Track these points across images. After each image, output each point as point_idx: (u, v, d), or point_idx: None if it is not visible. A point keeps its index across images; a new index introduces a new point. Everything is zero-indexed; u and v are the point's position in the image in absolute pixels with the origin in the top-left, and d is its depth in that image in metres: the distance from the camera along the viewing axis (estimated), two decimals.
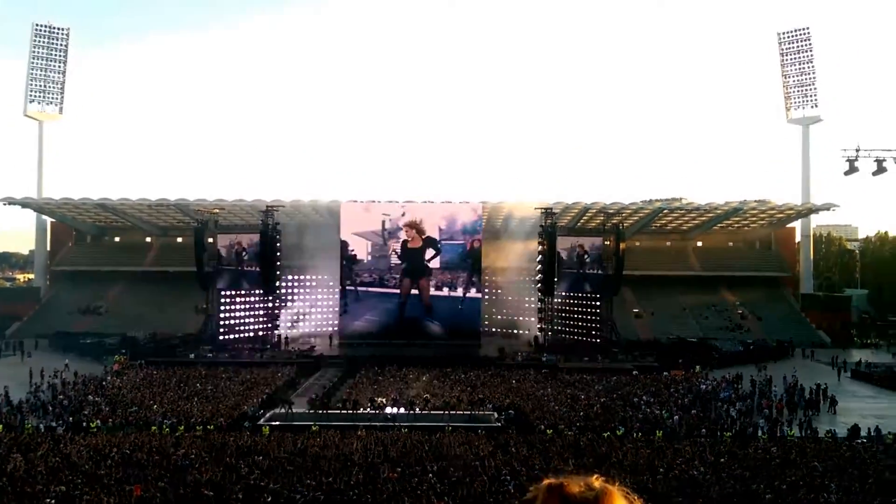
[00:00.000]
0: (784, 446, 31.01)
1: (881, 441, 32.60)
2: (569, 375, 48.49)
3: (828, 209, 71.44)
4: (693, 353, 54.78)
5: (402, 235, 63.62)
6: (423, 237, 63.76)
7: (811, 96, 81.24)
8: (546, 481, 1.65)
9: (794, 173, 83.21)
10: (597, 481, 1.62)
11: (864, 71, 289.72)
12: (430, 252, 63.98)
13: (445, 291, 64.32)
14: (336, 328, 64.47)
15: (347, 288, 63.76)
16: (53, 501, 21.92)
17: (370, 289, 64.12)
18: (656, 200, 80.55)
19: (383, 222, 64.09)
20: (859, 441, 32.59)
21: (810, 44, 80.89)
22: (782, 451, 29.93)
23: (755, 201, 73.84)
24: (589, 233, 65.90)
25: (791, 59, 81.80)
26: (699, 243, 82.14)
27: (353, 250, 63.91)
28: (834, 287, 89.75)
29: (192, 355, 54.59)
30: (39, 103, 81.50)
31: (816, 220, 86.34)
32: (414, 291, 63.84)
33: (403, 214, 63.95)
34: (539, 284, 61.21)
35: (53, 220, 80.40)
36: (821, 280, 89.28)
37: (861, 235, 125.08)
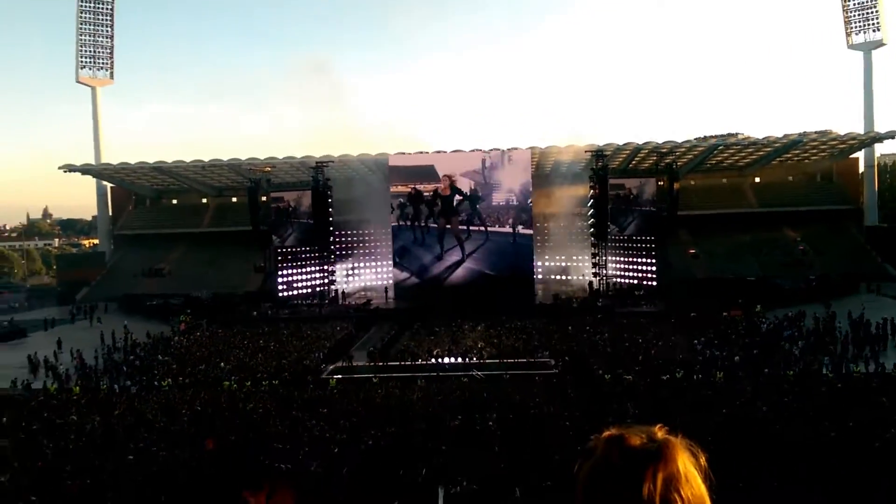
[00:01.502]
0: (849, 383, 30.45)
1: None
2: (625, 320, 48.27)
3: (892, 137, 68.36)
4: (753, 292, 53.74)
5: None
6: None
7: (873, 20, 77.13)
8: (606, 433, 1.63)
9: (856, 101, 79.74)
10: (660, 432, 1.60)
11: None
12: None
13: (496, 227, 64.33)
14: (391, 281, 65.09)
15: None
16: (132, 457, 23.01)
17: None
18: (711, 137, 78.13)
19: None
20: None
21: None
22: (847, 387, 29.40)
23: (815, 132, 71.02)
24: (641, 174, 64.61)
25: None
26: (757, 179, 79.74)
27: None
28: None
29: (254, 313, 56.06)
30: (90, 69, 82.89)
31: (881, 150, 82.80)
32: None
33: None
34: (591, 229, 60.56)
35: (112, 185, 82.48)
36: (886, 211, 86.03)
37: None
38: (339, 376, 36.92)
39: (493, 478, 20.45)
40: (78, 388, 35.69)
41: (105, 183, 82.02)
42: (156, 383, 36.61)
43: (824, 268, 64.51)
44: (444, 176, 63.94)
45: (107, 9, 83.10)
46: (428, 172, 64.32)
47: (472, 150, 65.59)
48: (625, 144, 68.06)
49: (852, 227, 74.84)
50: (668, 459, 1.51)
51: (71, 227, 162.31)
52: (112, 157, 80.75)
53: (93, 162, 79.40)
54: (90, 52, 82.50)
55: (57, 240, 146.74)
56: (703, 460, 1.57)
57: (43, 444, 24.73)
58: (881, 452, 20.42)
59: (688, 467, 1.52)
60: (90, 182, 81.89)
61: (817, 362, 35.35)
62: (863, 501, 18.09)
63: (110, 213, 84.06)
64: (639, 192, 59.77)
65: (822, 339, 40.06)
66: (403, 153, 66.37)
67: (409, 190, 64.05)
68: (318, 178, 60.97)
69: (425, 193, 63.85)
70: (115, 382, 37.68)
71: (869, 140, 71.20)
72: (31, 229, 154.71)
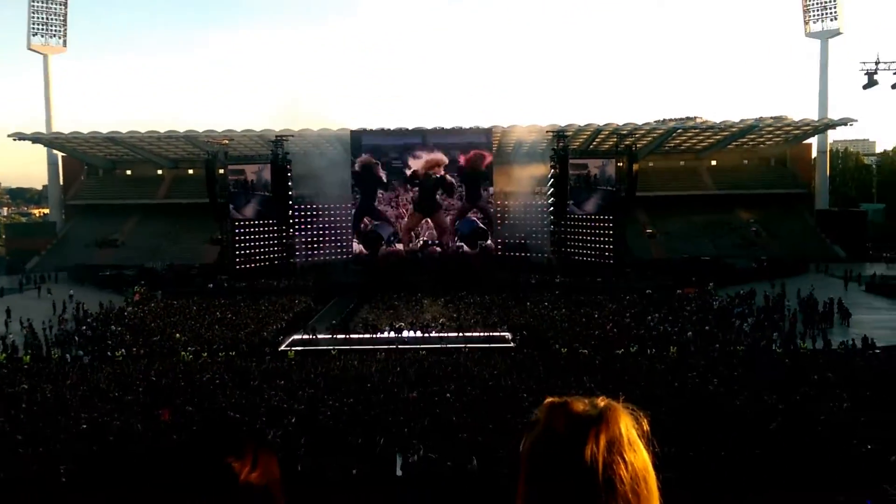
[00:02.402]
0: (797, 358, 31.38)
1: None
2: (582, 296, 48.92)
3: (845, 124, 70.05)
4: (707, 272, 54.88)
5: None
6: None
7: (830, 9, 78.65)
8: (548, 400, 1.61)
9: (811, 89, 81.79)
10: (601, 400, 1.59)
11: None
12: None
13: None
14: (350, 255, 64.76)
15: None
16: (86, 427, 22.66)
17: None
18: (670, 120, 79.21)
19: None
20: (872, 352, 32.88)
21: None
22: (795, 363, 30.30)
23: (771, 118, 72.42)
24: (601, 154, 65.17)
25: None
26: (713, 162, 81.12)
27: None
28: (850, 202, 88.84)
29: (210, 285, 55.34)
30: (42, 36, 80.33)
31: (833, 136, 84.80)
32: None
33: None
34: (551, 208, 61.03)
35: (64, 154, 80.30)
36: (837, 196, 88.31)
37: (879, 150, 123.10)
38: (298, 348, 36.76)
39: (451, 447, 20.66)
40: (28, 357, 34.92)
41: (56, 152, 79.80)
42: (109, 354, 35.99)
43: (776, 249, 66.15)
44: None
45: None
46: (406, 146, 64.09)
47: (434, 129, 65.42)
48: (586, 126, 68.56)
49: (804, 211, 76.80)
50: (610, 422, 1.51)
51: (20, 196, 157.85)
52: (64, 125, 78.65)
53: (44, 130, 77.14)
54: (42, 18, 79.93)
55: (6, 209, 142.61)
56: (645, 425, 1.57)
57: None
58: (827, 424, 21.12)
59: (630, 431, 1.52)
60: (41, 151, 79.65)
61: (766, 338, 36.34)
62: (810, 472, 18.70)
63: (61, 183, 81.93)
64: (598, 172, 60.33)
65: (771, 316, 41.16)
66: (365, 130, 65.86)
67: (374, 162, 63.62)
68: (278, 151, 60.15)
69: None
70: (67, 352, 36.94)
71: (822, 126, 72.85)
72: None
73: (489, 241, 64.30)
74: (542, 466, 1.53)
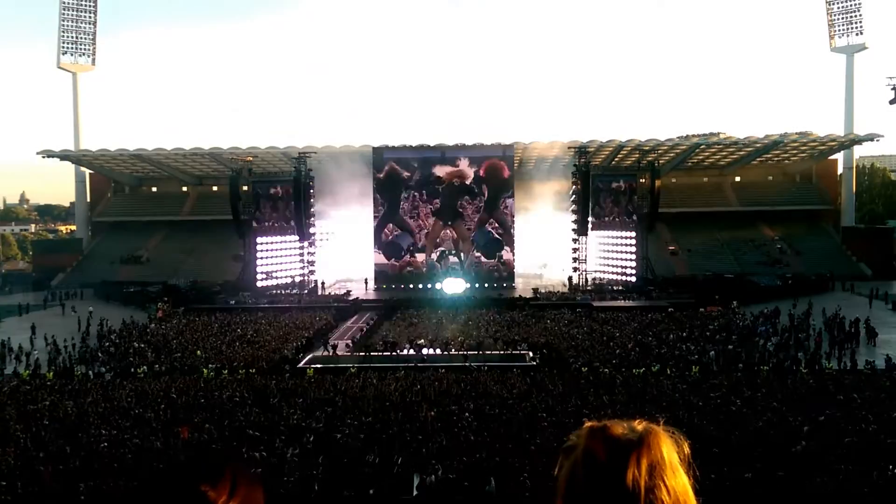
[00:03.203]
0: (822, 379, 30.82)
1: None
2: (604, 314, 48.50)
3: (871, 140, 69.29)
4: (730, 289, 54.23)
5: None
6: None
7: (856, 23, 78.08)
8: (588, 424, 1.59)
9: (837, 104, 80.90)
10: (640, 424, 1.56)
11: None
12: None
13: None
14: (371, 272, 64.88)
15: None
16: (106, 444, 22.81)
17: None
18: (693, 136, 78.73)
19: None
20: None
21: None
22: (820, 383, 29.76)
23: (796, 133, 71.78)
24: (624, 171, 64.90)
25: None
26: (737, 178, 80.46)
27: None
28: (877, 219, 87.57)
29: (232, 301, 55.71)
30: (72, 55, 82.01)
31: (859, 152, 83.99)
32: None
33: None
34: (573, 224, 60.78)
35: (92, 171, 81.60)
36: (863, 212, 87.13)
37: None
38: (318, 366, 36.79)
39: (469, 467, 20.50)
40: (51, 373, 35.29)
41: (84, 169, 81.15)
42: (131, 371, 36.27)
43: (801, 266, 65.29)
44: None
45: None
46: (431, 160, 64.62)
47: (455, 145, 65.61)
48: (607, 142, 68.43)
49: (829, 228, 75.81)
50: (651, 446, 1.48)
51: (48, 213, 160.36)
52: (92, 143, 79.96)
53: (72, 148, 78.51)
54: (72, 37, 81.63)
55: (33, 225, 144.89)
56: (686, 449, 1.54)
57: (15, 429, 24.43)
58: (853, 448, 20.68)
59: (672, 455, 1.49)
60: (69, 168, 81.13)
61: (790, 358, 35.76)
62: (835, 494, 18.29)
63: (88, 200, 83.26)
64: (620, 189, 60.06)
65: (796, 335, 40.52)
66: (387, 146, 66.22)
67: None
68: (301, 168, 60.59)
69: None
70: (90, 369, 37.29)
71: (848, 142, 72.07)
72: (7, 214, 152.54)
73: (510, 254, 63.97)
74: (583, 491, 1.49)
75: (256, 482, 1.57)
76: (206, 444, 23.14)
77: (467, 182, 63.74)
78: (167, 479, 1.51)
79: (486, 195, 63.85)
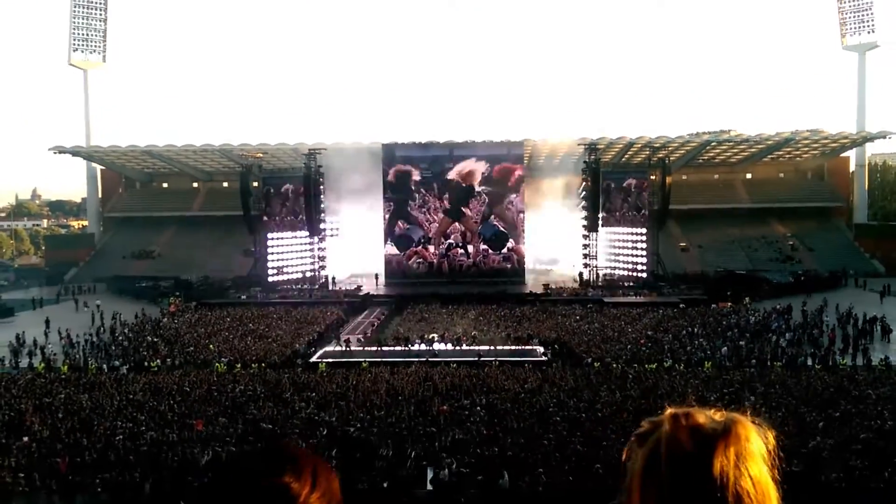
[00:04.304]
0: (836, 375, 30.70)
1: None
2: (615, 310, 48.42)
3: (884, 137, 68.92)
4: (742, 286, 54.00)
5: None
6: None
7: (868, 21, 77.54)
8: (670, 410, 1.52)
9: (849, 101, 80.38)
10: (719, 413, 1.51)
11: None
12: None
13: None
14: (382, 267, 64.94)
15: None
16: (121, 437, 22.96)
17: None
18: (704, 133, 78.41)
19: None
20: None
21: None
22: (834, 379, 29.65)
23: (808, 131, 71.38)
24: (634, 167, 64.73)
25: None
26: (748, 175, 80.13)
27: None
28: (889, 216, 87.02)
29: (243, 297, 55.91)
30: (83, 52, 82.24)
31: (871, 149, 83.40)
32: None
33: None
34: (584, 221, 60.68)
35: (103, 167, 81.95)
36: (875, 209, 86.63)
37: None
38: (330, 360, 36.89)
39: (482, 461, 20.54)
40: (66, 367, 35.51)
41: (95, 165, 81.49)
42: (145, 364, 36.46)
43: (813, 263, 65.01)
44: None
45: None
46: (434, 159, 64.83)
47: (465, 142, 65.57)
48: (618, 138, 68.25)
49: (842, 224, 75.43)
50: (739, 436, 1.44)
51: (60, 209, 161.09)
52: (103, 139, 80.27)
53: (83, 144, 78.87)
54: (83, 34, 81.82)
55: (46, 220, 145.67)
56: (772, 440, 1.49)
57: (32, 422, 24.62)
58: (868, 444, 20.60)
59: (759, 446, 1.46)
60: (80, 164, 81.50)
61: (804, 354, 35.62)
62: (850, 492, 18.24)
63: (100, 196, 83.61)
64: (631, 185, 59.96)
65: (809, 332, 40.36)
66: (397, 143, 66.26)
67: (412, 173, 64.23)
68: (311, 164, 60.64)
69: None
70: (104, 363, 37.49)
71: (860, 140, 71.69)
72: (19, 210, 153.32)
73: (519, 245, 64.01)
74: (665, 482, 1.45)
75: (334, 473, 1.48)
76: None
77: (476, 183, 63.83)
78: (245, 470, 1.40)
79: (492, 196, 63.99)
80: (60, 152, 73.82)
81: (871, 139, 71.03)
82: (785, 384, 28.94)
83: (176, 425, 24.41)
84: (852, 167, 79.61)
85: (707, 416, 1.50)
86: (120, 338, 42.68)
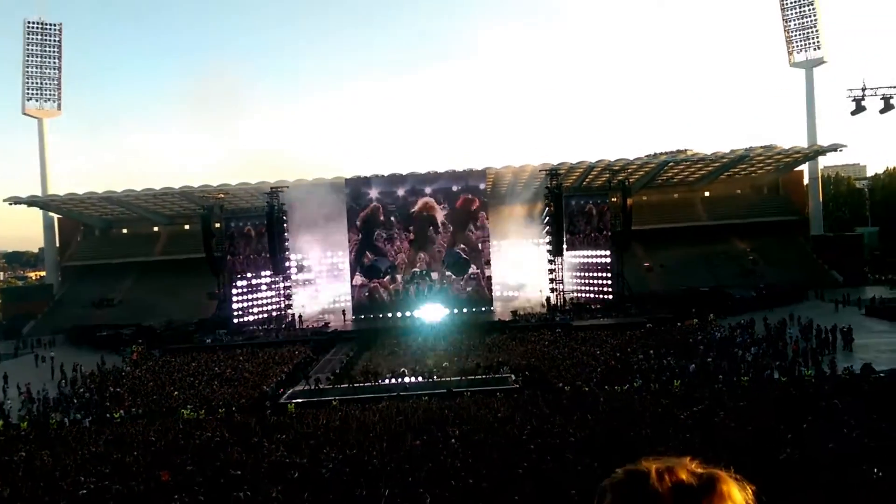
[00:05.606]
0: (801, 386, 31.04)
1: None
2: (583, 333, 48.62)
3: (835, 150, 70.71)
4: (706, 303, 54.67)
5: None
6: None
7: (813, 39, 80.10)
8: (647, 463, 1.52)
9: (799, 117, 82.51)
10: (697, 466, 1.52)
11: (867, 8, 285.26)
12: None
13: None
14: (349, 304, 64.55)
15: None
16: (85, 492, 22.24)
17: None
18: (661, 154, 79.87)
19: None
20: (876, 376, 32.51)
21: None
22: (800, 390, 29.97)
23: (761, 147, 73.10)
24: (595, 191, 65.53)
25: (791, 3, 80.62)
26: (706, 193, 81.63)
27: None
28: (845, 226, 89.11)
29: (208, 340, 54.99)
30: (37, 101, 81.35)
31: (824, 162, 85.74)
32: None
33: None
34: (548, 246, 61.10)
35: (60, 216, 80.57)
36: (831, 220, 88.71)
37: (870, 173, 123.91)
38: (299, 400, 36.33)
39: (458, 493, 20.26)
40: (26, 423, 34.44)
41: (52, 214, 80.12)
42: (108, 415, 35.52)
43: (774, 277, 66.11)
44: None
45: (54, 41, 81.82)
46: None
47: (427, 172, 65.83)
48: (578, 163, 69.14)
49: (800, 237, 76.98)
50: (722, 494, 1.44)
51: (16, 260, 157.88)
52: (60, 188, 79.07)
53: (39, 193, 77.57)
54: (37, 83, 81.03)
55: (2, 273, 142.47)
56: (750, 495, 1.50)
57: None
58: (836, 453, 20.77)
59: (738, 501, 1.46)
60: (37, 214, 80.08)
61: (769, 367, 36.02)
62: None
63: (58, 245, 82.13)
64: (593, 209, 60.66)
65: (774, 344, 40.88)
66: (359, 177, 66.23)
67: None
68: (273, 202, 60.28)
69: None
70: (66, 416, 36.46)
71: (812, 153, 73.50)
72: None
73: (483, 271, 64.18)
74: None
75: None
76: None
77: (438, 213, 64.10)
78: None
79: (455, 225, 64.30)
80: (16, 203, 72.45)
81: (823, 152, 72.87)
82: (752, 398, 29.17)
83: (142, 477, 23.72)
84: (806, 180, 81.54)
85: (688, 472, 1.49)
86: (81, 390, 41.58)
